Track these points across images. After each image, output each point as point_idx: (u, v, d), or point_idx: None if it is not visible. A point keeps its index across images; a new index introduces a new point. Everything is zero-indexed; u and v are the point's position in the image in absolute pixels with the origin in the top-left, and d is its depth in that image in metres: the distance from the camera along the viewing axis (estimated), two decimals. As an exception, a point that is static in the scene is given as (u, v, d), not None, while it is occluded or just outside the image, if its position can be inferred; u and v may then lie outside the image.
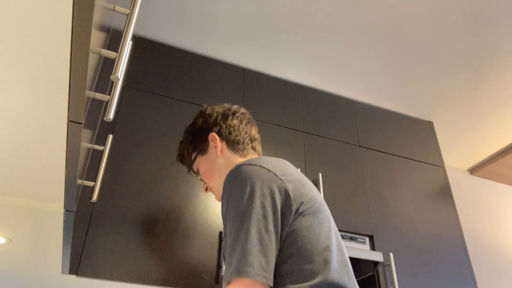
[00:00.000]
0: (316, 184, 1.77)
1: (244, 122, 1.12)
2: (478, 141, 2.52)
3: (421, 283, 1.71)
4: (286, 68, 2.05)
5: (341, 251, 0.80)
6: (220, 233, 1.49)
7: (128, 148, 1.52)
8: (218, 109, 1.13)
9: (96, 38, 0.59)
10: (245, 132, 1.10)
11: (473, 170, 2.75)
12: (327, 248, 0.75)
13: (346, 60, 2.00)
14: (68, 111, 0.62)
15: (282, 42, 1.92)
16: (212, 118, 1.11)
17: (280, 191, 0.77)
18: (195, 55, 1.91)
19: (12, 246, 1.23)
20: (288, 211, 0.76)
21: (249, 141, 1.10)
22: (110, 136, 1.18)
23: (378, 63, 2.01)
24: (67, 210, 0.85)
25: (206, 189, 1.11)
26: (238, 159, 1.05)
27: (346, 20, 1.79)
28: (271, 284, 0.67)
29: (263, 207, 0.74)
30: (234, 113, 1.12)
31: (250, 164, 0.82)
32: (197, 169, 1.11)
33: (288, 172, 0.84)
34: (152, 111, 1.65)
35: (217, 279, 1.39)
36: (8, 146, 0.75)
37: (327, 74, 2.08)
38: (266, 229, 0.71)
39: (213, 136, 1.07)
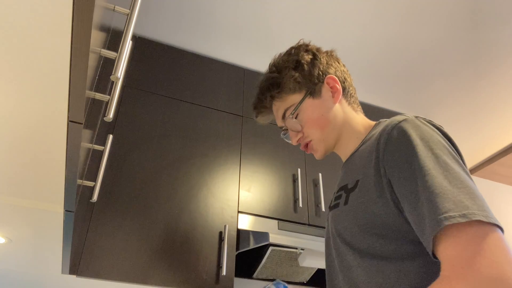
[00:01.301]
0: (316, 184, 1.77)
1: (348, 71, 0.97)
2: (478, 141, 2.52)
3: (421, 283, 1.71)
4: (286, 68, 2.05)
5: None
6: (220, 233, 1.49)
7: (128, 148, 1.52)
8: (320, 47, 0.96)
9: (96, 38, 0.59)
10: (353, 82, 0.96)
11: (473, 170, 2.75)
12: None
13: (345, 59, 2.00)
14: (68, 111, 0.62)
15: (282, 42, 1.92)
16: (324, 57, 0.93)
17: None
18: (195, 55, 1.91)
19: (12, 246, 1.23)
20: None
21: (357, 96, 0.96)
22: (110, 136, 1.18)
23: (378, 63, 2.01)
24: (67, 210, 0.85)
25: (298, 141, 0.92)
26: (352, 113, 0.91)
27: (346, 19, 1.79)
28: None
29: (461, 165, 0.65)
30: (338, 57, 0.97)
31: (426, 119, 0.73)
32: (296, 115, 0.90)
33: None
34: (152, 111, 1.65)
35: (217, 279, 1.39)
36: (8, 146, 0.75)
37: (327, 74, 2.08)
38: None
39: (334, 79, 0.90)
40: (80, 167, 0.76)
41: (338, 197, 0.81)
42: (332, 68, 0.92)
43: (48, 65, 0.57)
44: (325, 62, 0.92)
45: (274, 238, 1.46)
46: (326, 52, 0.96)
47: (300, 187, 1.69)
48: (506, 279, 0.50)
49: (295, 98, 0.90)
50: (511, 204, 2.79)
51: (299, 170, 1.73)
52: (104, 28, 0.71)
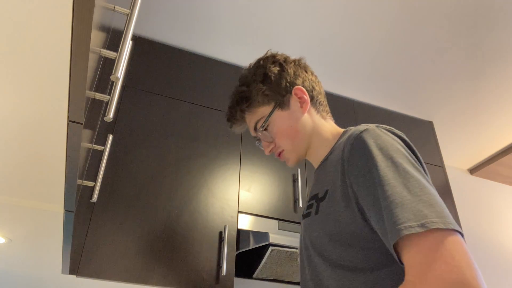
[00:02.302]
0: (316, 184, 1.77)
1: (317, 78, 0.98)
2: (478, 141, 2.52)
3: (421, 283, 1.71)
4: (286, 68, 2.05)
5: None
6: (220, 233, 1.49)
7: (128, 148, 1.52)
8: (288, 56, 0.97)
9: (96, 38, 0.59)
10: (322, 90, 0.97)
11: (473, 170, 2.75)
12: None
13: (346, 60, 2.00)
14: (68, 111, 0.62)
15: (282, 42, 1.92)
16: (291, 67, 0.95)
17: None
18: (195, 55, 1.91)
19: (12, 246, 1.23)
20: None
21: (326, 102, 0.98)
22: (110, 136, 1.18)
23: (379, 63, 2.01)
24: (67, 210, 0.85)
25: (271, 151, 0.94)
26: (321, 121, 0.93)
27: (346, 20, 1.79)
28: None
29: (420, 172, 0.67)
30: (307, 65, 0.98)
31: (387, 128, 0.76)
32: (267, 127, 0.92)
33: None
34: (152, 111, 1.65)
35: (217, 279, 1.39)
36: (8, 146, 0.75)
37: (327, 74, 2.08)
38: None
39: (301, 90, 0.92)
40: (80, 167, 0.76)
41: (309, 206, 0.82)
42: (299, 78, 0.94)
43: (48, 65, 0.57)
44: (292, 73, 0.94)
45: (274, 238, 1.46)
46: (294, 61, 0.97)
47: (300, 187, 1.69)
48: (467, 282, 0.52)
49: (265, 110, 0.92)
50: (511, 204, 2.79)
51: (299, 170, 1.73)
52: (104, 28, 0.71)
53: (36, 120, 0.68)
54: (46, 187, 0.85)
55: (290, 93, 0.92)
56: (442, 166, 2.16)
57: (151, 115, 1.63)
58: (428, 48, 1.91)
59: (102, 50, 0.66)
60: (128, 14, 0.67)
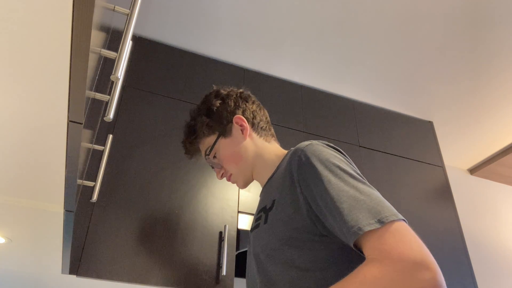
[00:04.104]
0: (316, 184, 1.77)
1: (260, 106, 1.10)
2: (478, 141, 2.52)
3: (421, 283, 1.71)
4: (286, 68, 2.05)
5: None
6: (220, 233, 1.49)
7: (128, 148, 1.52)
8: (232, 90, 1.08)
9: (96, 38, 0.59)
10: (265, 117, 1.08)
11: (473, 170, 2.75)
12: None
13: (346, 60, 2.00)
14: (68, 111, 0.62)
15: (282, 42, 1.92)
16: (232, 99, 1.05)
17: None
18: (195, 55, 1.91)
19: (12, 246, 1.23)
20: None
21: (270, 127, 1.09)
22: (110, 136, 1.18)
23: (378, 63, 2.01)
24: (67, 210, 0.85)
25: (222, 176, 1.05)
26: (264, 144, 1.03)
27: (346, 20, 1.79)
28: None
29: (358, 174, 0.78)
30: (249, 96, 1.09)
31: (327, 144, 0.85)
32: (214, 154, 1.03)
33: None
34: (152, 111, 1.65)
35: (217, 279, 1.39)
36: (8, 146, 0.75)
37: (327, 74, 2.08)
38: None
39: (241, 118, 1.02)
40: (80, 167, 0.76)
41: (258, 219, 0.89)
42: (240, 109, 1.04)
43: (48, 65, 0.57)
44: (232, 105, 1.04)
45: (274, 238, 1.46)
46: (236, 94, 1.07)
47: (300, 187, 1.68)
48: (425, 259, 0.62)
49: (211, 140, 1.03)
50: (511, 204, 2.79)
51: (299, 170, 1.73)
52: (104, 28, 0.71)
53: (35, 120, 0.68)
54: (46, 187, 0.85)
55: (232, 122, 1.02)
56: (442, 166, 2.16)
57: (151, 115, 1.63)
58: (428, 48, 1.91)
59: (102, 50, 0.66)
60: (128, 14, 0.67)
